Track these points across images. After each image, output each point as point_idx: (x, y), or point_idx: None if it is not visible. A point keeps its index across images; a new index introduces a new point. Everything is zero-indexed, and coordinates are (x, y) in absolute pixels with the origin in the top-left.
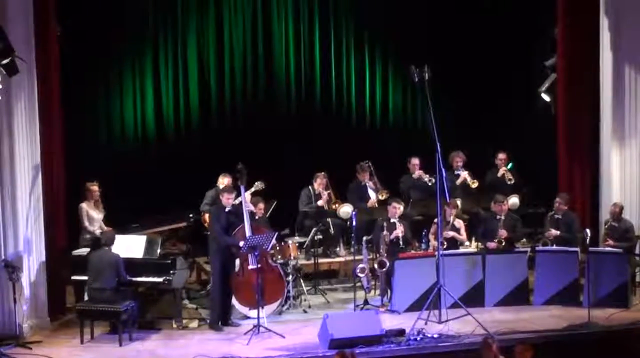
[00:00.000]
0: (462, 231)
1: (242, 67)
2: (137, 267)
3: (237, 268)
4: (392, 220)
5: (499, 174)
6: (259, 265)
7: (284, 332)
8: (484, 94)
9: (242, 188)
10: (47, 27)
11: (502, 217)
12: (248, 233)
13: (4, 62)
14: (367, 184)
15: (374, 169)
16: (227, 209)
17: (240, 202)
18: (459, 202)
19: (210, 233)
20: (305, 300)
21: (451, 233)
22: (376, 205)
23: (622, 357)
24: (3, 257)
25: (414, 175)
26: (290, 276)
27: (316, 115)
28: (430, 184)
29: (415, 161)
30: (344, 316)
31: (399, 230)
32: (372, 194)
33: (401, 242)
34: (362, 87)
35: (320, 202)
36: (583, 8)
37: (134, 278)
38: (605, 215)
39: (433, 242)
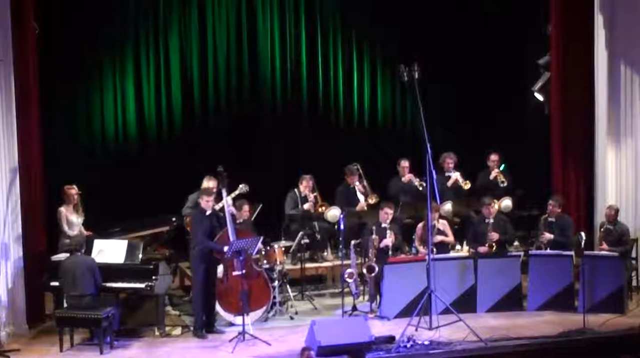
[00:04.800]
0: (448, 231)
1: (226, 66)
2: (118, 272)
3: (220, 274)
4: (382, 225)
5: (492, 176)
6: (244, 271)
7: (270, 339)
8: (476, 93)
9: (224, 192)
10: (25, 26)
11: (491, 220)
12: (232, 237)
13: None
14: (355, 187)
15: (362, 171)
16: (207, 213)
17: (223, 206)
18: (448, 205)
19: (192, 237)
20: (291, 306)
21: (439, 238)
22: (365, 209)
23: None
24: None
25: (403, 179)
26: (276, 281)
27: (303, 116)
28: (420, 189)
29: (405, 163)
30: (332, 323)
31: (389, 240)
32: (361, 198)
33: (390, 252)
34: (349, 86)
35: (306, 206)
36: (577, 5)
37: (115, 285)
38: (600, 217)
39: (421, 250)
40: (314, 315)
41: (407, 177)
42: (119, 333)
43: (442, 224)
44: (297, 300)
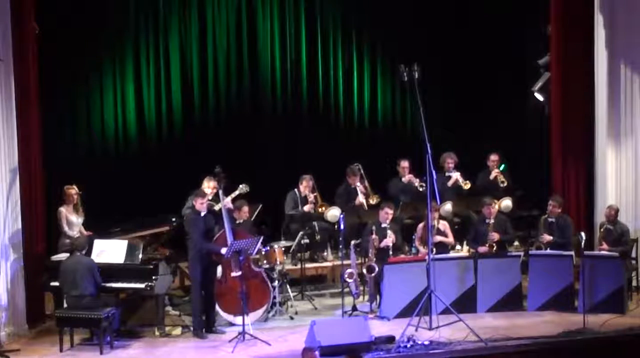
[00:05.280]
0: (448, 232)
1: (226, 67)
2: (118, 272)
3: (219, 275)
4: (382, 225)
5: (492, 176)
6: (242, 272)
7: (270, 339)
8: (476, 94)
9: (221, 193)
10: (25, 26)
11: (492, 220)
12: (229, 238)
13: None
14: (357, 188)
15: (363, 171)
16: (202, 214)
17: (221, 207)
18: (448, 205)
19: (189, 239)
20: (291, 306)
21: (438, 238)
22: (365, 206)
23: None
24: None
25: (403, 179)
26: (276, 281)
27: (303, 116)
28: (421, 190)
29: (405, 164)
30: (332, 323)
31: (390, 240)
32: (361, 198)
33: (391, 251)
34: (349, 86)
35: (306, 208)
36: (577, 5)
37: (115, 285)
38: (600, 217)
39: (422, 249)
40: (314, 315)
41: (408, 177)
42: (119, 333)
43: (443, 225)
44: (297, 300)
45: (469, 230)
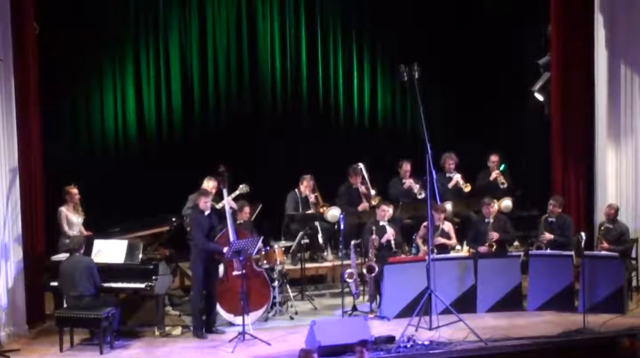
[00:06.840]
0: (452, 234)
1: (226, 66)
2: (118, 272)
3: (221, 275)
4: (381, 223)
5: (492, 177)
6: (244, 271)
7: (270, 339)
8: (476, 94)
9: (225, 192)
10: (25, 26)
11: (491, 220)
12: (232, 237)
13: None
14: (358, 188)
15: (366, 172)
16: (206, 213)
17: (223, 206)
18: (448, 205)
19: (191, 239)
20: (291, 306)
21: (441, 240)
22: (367, 209)
23: None
24: None
25: (404, 183)
26: (276, 281)
27: (303, 116)
28: (420, 197)
29: (407, 167)
30: (332, 323)
31: (390, 234)
32: (363, 199)
33: (393, 245)
34: (349, 86)
35: (308, 211)
36: (577, 5)
37: (115, 285)
38: (600, 217)
39: (422, 247)
40: (314, 315)
41: (408, 183)
42: (119, 333)
43: (447, 226)
44: (297, 300)
45: (469, 230)
